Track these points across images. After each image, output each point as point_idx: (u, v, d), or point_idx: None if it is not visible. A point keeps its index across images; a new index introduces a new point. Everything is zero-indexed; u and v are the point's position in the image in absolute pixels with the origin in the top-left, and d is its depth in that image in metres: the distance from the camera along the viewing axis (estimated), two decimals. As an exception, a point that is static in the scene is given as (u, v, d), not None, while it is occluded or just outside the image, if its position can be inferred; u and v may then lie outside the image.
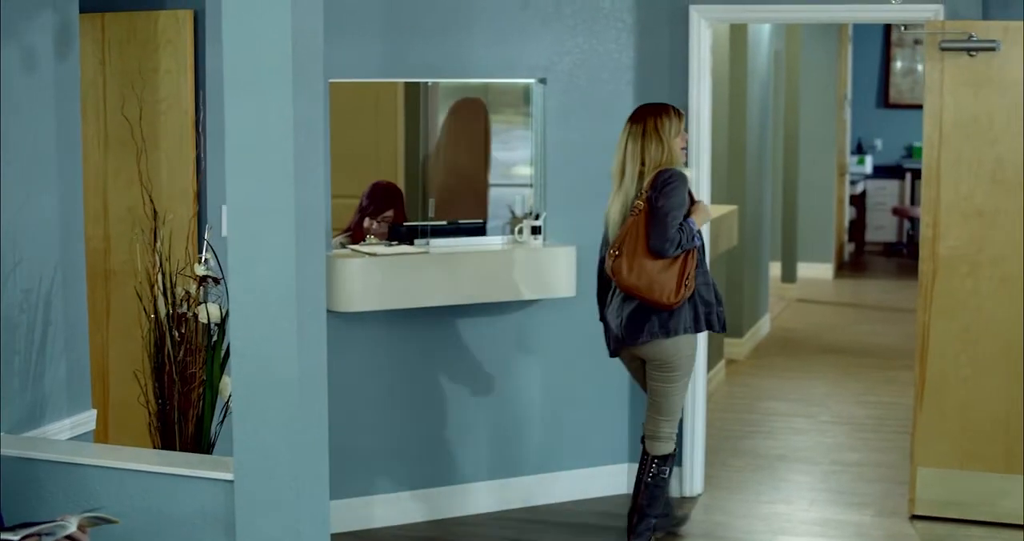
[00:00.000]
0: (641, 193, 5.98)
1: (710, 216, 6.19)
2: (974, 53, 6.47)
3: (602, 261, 6.19)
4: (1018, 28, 6.42)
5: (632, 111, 6.20)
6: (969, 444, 6.67)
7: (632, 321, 6.02)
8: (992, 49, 6.43)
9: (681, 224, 5.92)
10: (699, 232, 6.03)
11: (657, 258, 5.90)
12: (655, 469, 6.17)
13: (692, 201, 6.09)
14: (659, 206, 5.90)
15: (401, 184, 6.94)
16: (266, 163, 3.90)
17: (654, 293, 5.91)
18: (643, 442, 6.22)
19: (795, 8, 6.88)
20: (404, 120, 6.98)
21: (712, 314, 6.08)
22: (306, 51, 3.94)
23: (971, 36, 6.45)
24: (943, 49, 6.49)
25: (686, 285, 5.93)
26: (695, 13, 6.89)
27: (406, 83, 6.76)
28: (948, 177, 6.58)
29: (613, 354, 6.25)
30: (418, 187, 6.95)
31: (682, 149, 6.11)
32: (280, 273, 3.91)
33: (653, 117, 6.04)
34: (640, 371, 6.24)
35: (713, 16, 6.94)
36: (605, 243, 6.18)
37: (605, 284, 6.21)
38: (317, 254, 4.03)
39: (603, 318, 6.25)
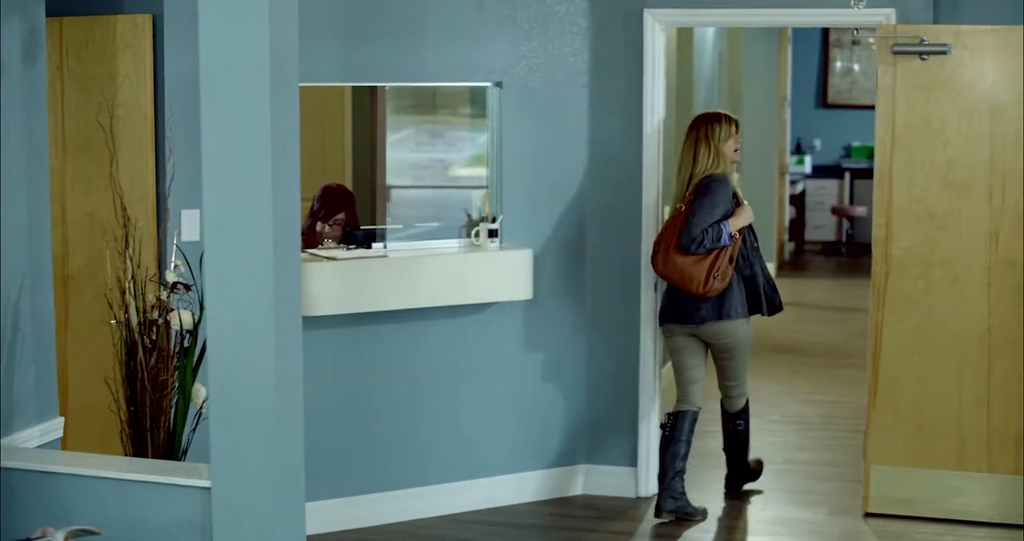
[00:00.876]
0: (686, 195, 6.69)
1: (751, 218, 6.81)
2: (926, 57, 6.55)
3: None
4: (969, 32, 6.51)
5: (701, 116, 6.91)
6: (922, 442, 6.75)
7: (693, 307, 6.75)
8: (943, 53, 6.52)
9: (710, 226, 6.59)
10: (732, 234, 6.65)
11: (686, 254, 6.59)
12: (732, 423, 7.15)
13: (738, 203, 6.77)
14: (692, 209, 6.63)
15: (350, 187, 6.94)
16: (244, 171, 3.90)
17: (685, 283, 6.65)
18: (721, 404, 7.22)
19: (748, 12, 6.93)
20: (352, 123, 6.99)
21: (760, 300, 6.86)
22: (283, 58, 3.95)
23: (922, 40, 6.54)
24: (895, 53, 6.57)
25: (715, 277, 6.62)
26: (649, 16, 6.93)
27: (354, 86, 6.76)
28: (900, 179, 6.66)
29: (662, 323, 6.95)
30: (368, 190, 6.96)
31: (735, 151, 6.81)
32: (258, 281, 3.92)
33: (705, 125, 6.79)
34: (686, 350, 6.87)
35: (667, 19, 6.99)
36: None
37: None
38: (293, 262, 4.04)
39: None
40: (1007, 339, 6.60)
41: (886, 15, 6.67)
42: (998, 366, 6.62)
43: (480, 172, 7.05)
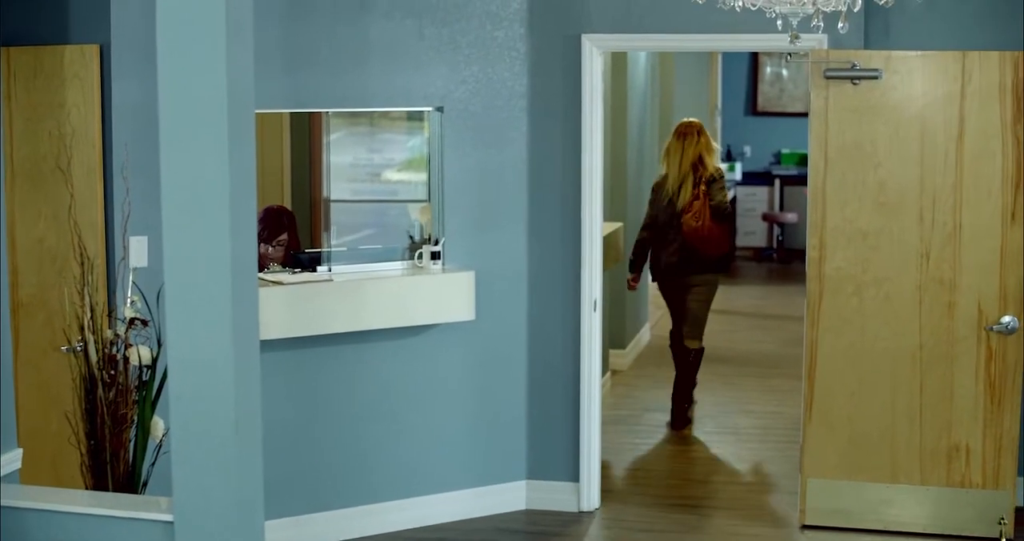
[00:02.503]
0: (700, 184, 8.82)
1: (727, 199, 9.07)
2: (857, 81, 6.72)
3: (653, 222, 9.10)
4: (899, 57, 6.69)
5: (680, 125, 9.12)
6: (856, 456, 6.92)
7: (698, 261, 8.92)
8: (875, 78, 6.69)
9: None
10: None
11: (718, 224, 8.80)
12: (693, 357, 9.17)
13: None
14: (716, 191, 8.85)
15: (289, 206, 7.01)
16: (203, 205, 3.98)
17: (715, 245, 8.85)
18: (682, 343, 9.19)
19: (684, 37, 7.04)
20: (291, 148, 7.05)
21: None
22: (239, 92, 4.02)
23: (854, 65, 6.71)
24: (828, 78, 6.74)
25: (730, 241, 8.81)
26: (587, 41, 7.06)
27: (292, 112, 6.84)
28: (833, 200, 6.82)
29: (675, 276, 9.09)
30: (307, 213, 7.03)
31: None
32: (217, 317, 4.01)
33: (703, 133, 8.98)
34: (681, 295, 9.03)
35: (605, 44, 7.11)
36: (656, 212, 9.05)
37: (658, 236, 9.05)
38: (251, 296, 4.13)
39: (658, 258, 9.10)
40: (937, 355, 6.78)
41: (818, 40, 6.83)
42: (929, 382, 6.80)
43: (414, 178, 7.15)
